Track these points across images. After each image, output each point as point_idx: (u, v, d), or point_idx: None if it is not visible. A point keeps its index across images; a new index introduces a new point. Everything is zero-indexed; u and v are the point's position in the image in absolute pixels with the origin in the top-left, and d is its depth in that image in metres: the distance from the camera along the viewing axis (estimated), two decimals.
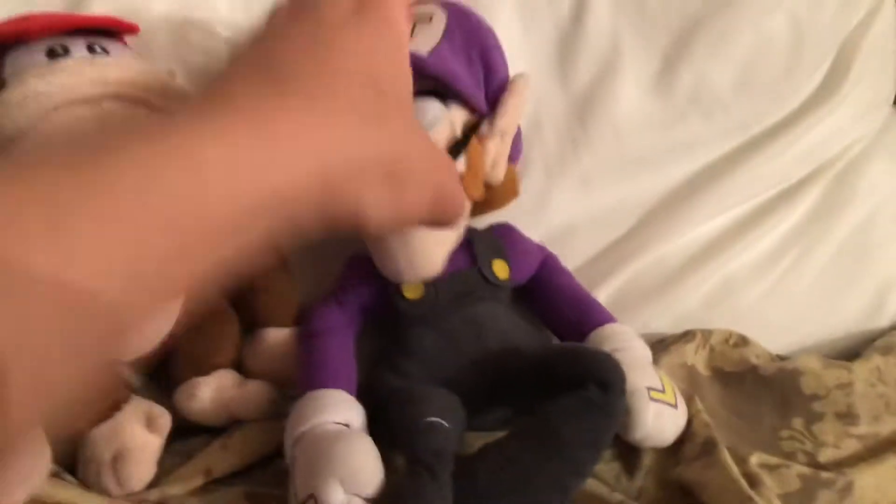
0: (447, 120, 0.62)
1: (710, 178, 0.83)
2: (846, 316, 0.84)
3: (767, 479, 0.60)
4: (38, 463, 0.53)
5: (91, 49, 0.58)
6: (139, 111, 0.55)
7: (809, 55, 0.84)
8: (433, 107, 0.61)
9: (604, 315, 0.71)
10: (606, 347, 0.64)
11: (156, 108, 0.56)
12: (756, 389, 0.73)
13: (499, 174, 0.63)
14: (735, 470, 0.59)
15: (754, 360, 0.75)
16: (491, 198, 0.66)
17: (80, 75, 0.53)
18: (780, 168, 0.85)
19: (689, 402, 0.66)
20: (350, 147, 0.32)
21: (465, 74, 0.63)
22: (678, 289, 0.82)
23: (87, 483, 0.59)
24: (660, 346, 0.77)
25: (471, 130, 0.61)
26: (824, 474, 0.62)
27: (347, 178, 0.31)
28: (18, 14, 0.60)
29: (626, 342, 0.67)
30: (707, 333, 0.78)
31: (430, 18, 0.64)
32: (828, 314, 0.84)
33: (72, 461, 0.61)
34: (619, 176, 0.83)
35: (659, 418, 0.61)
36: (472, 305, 0.65)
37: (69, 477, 0.60)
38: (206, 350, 0.69)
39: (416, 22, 0.63)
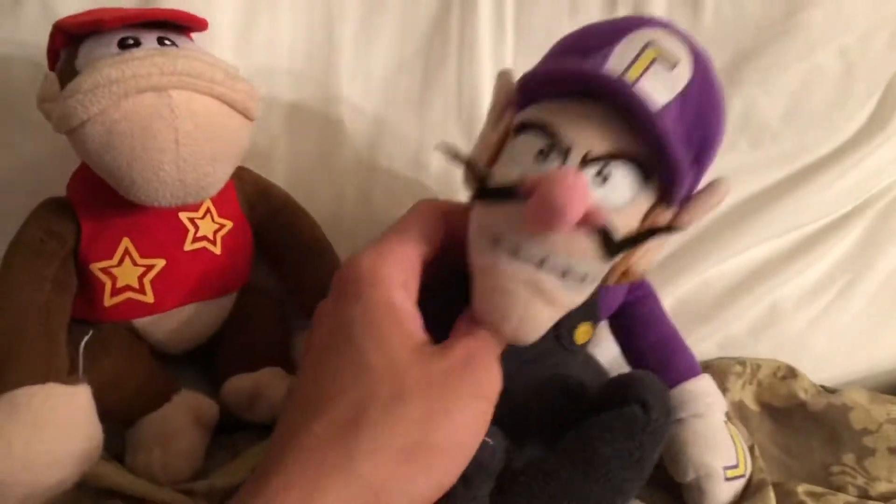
0: (637, 204, 0.43)
1: (758, 206, 0.82)
2: (891, 349, 0.83)
3: None
4: (91, 443, 0.52)
5: (161, 42, 0.58)
6: (206, 101, 0.55)
7: (859, 88, 0.83)
8: (629, 181, 0.43)
9: (684, 366, 0.64)
10: (684, 414, 0.60)
11: (221, 98, 0.56)
12: (805, 425, 0.71)
13: (645, 267, 0.47)
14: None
15: (802, 396, 0.73)
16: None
17: (152, 65, 0.52)
18: (828, 200, 0.83)
19: (751, 450, 0.64)
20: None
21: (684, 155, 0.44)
22: (724, 314, 0.81)
23: (135, 470, 0.58)
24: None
25: (652, 232, 0.44)
26: (871, 502, 0.60)
27: None
28: (91, 8, 0.61)
29: (706, 406, 0.61)
30: (755, 367, 0.76)
31: (674, 66, 0.46)
32: (872, 347, 0.83)
33: (119, 448, 0.60)
34: None
35: (732, 494, 0.59)
36: (540, 370, 0.56)
37: (116, 463, 0.58)
38: (254, 346, 0.68)
39: (658, 58, 0.46)
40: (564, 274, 0.41)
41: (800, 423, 0.72)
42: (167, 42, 0.59)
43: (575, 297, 0.42)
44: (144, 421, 0.60)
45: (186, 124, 0.54)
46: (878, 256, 0.84)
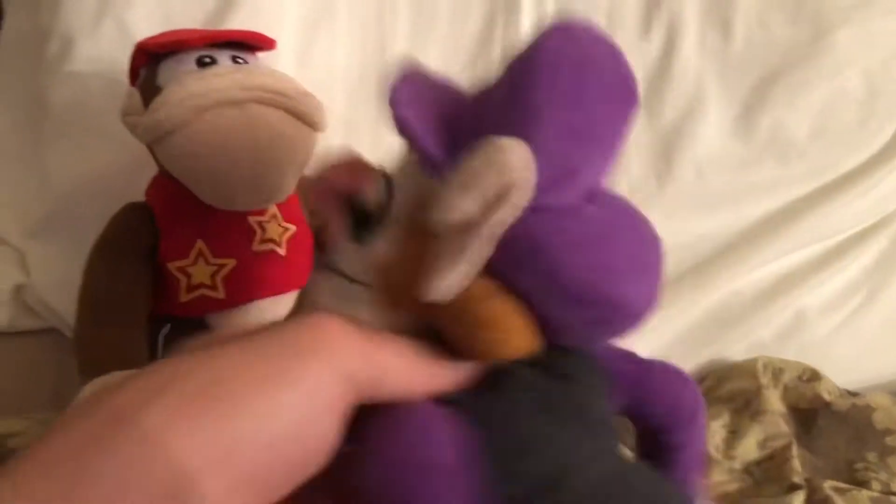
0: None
1: (784, 219, 0.85)
2: None
3: (840, 500, 0.61)
4: None
5: (235, 60, 0.62)
6: (279, 114, 0.58)
7: (882, 108, 0.85)
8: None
9: None
10: None
11: (292, 111, 0.59)
12: (830, 425, 0.73)
13: (448, 286, 0.25)
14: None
15: (827, 397, 0.75)
16: (466, 335, 0.27)
17: (232, 81, 0.57)
18: (851, 214, 0.86)
19: (787, 448, 0.67)
20: None
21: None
22: (752, 320, 0.83)
23: None
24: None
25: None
26: (894, 497, 0.62)
27: None
28: (166, 30, 0.65)
29: None
30: (778, 371, 0.78)
31: None
32: (891, 353, 0.85)
33: None
34: (699, 211, 0.85)
35: None
36: None
37: None
38: None
39: None
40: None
41: (825, 422, 0.74)
42: (240, 60, 0.63)
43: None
44: None
45: (262, 135, 0.58)
46: None
